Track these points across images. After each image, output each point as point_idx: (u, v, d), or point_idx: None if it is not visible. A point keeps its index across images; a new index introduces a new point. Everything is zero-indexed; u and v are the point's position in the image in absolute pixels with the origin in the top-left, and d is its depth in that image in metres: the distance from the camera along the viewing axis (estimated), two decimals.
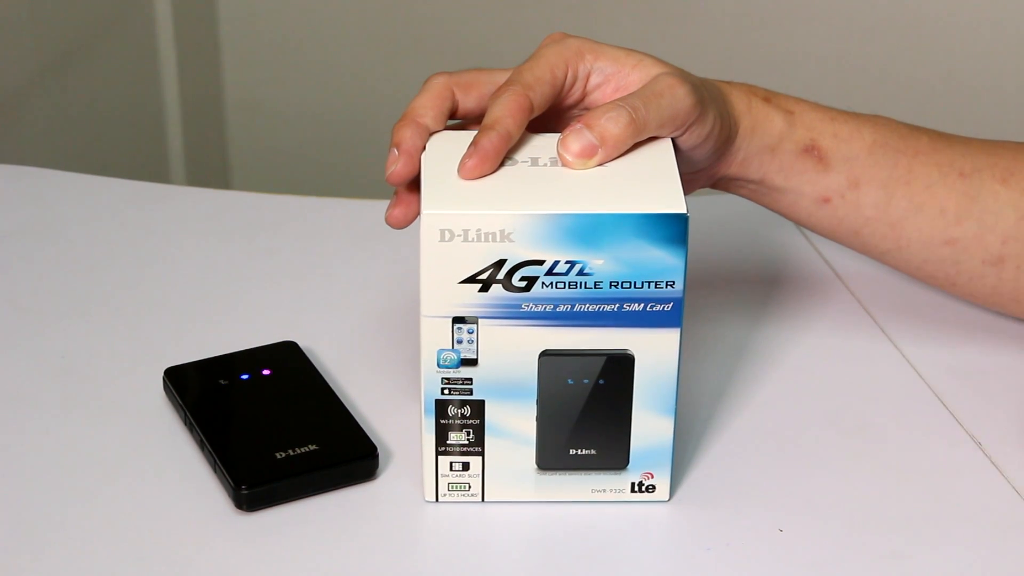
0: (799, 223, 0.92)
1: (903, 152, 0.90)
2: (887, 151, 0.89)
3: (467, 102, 0.83)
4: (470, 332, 0.78)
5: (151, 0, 1.81)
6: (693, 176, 0.88)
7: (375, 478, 0.84)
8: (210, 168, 1.96)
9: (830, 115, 0.89)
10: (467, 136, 0.80)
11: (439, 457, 0.81)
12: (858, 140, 0.89)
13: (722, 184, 0.90)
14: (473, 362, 0.79)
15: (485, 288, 0.77)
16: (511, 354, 0.79)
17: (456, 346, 0.79)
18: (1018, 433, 0.88)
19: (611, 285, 0.77)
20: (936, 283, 0.93)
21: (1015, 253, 0.90)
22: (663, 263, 0.77)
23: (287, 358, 0.91)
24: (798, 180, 0.89)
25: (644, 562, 0.80)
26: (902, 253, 0.91)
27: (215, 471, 0.84)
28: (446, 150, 0.80)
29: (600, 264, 0.77)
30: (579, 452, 0.81)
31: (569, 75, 0.83)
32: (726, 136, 0.85)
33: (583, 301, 0.78)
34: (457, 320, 0.78)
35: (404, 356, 0.93)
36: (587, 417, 0.80)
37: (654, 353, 0.79)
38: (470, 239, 0.76)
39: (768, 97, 0.88)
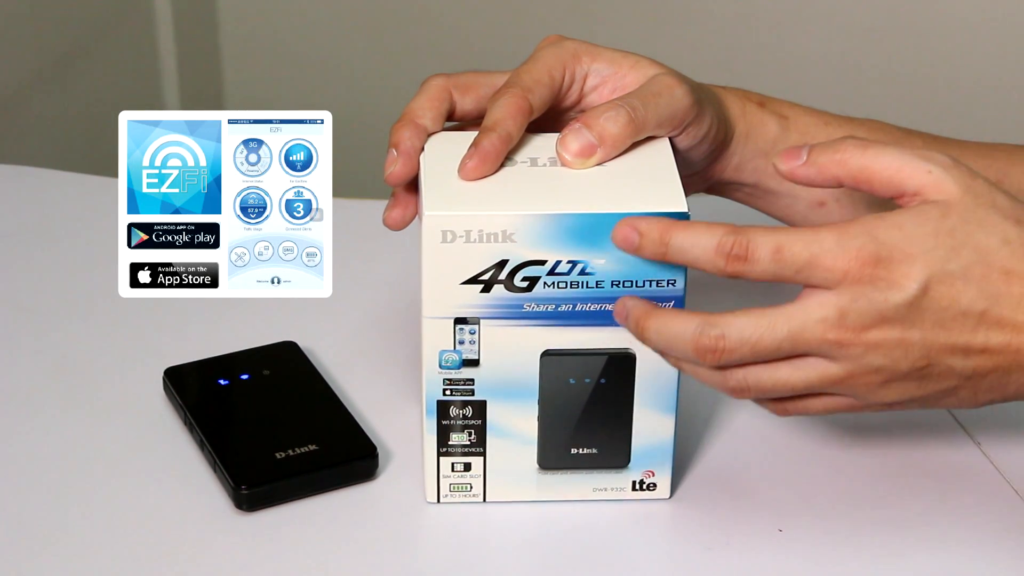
0: (795, 227, 0.92)
1: None
2: None
3: (464, 104, 0.83)
4: (472, 333, 0.78)
5: (151, 0, 1.81)
6: (688, 180, 0.87)
7: (375, 478, 0.84)
8: None
9: (824, 119, 0.89)
10: (465, 137, 0.79)
11: (440, 458, 0.81)
12: None
13: (717, 189, 0.90)
14: (475, 363, 0.79)
15: (487, 289, 0.77)
16: (513, 354, 0.79)
17: (458, 347, 0.79)
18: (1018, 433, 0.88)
19: (613, 284, 0.77)
20: None
21: None
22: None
23: (287, 358, 0.91)
24: (792, 184, 0.89)
25: (644, 561, 0.80)
26: None
27: (215, 471, 0.84)
28: (445, 151, 0.80)
29: (602, 263, 0.77)
30: (580, 451, 0.81)
31: (567, 77, 0.83)
32: (722, 138, 0.85)
33: (585, 300, 0.78)
34: (459, 321, 0.78)
35: (404, 356, 0.93)
36: (588, 416, 0.80)
37: (655, 352, 0.79)
38: (472, 240, 0.76)
39: (762, 102, 0.88)
